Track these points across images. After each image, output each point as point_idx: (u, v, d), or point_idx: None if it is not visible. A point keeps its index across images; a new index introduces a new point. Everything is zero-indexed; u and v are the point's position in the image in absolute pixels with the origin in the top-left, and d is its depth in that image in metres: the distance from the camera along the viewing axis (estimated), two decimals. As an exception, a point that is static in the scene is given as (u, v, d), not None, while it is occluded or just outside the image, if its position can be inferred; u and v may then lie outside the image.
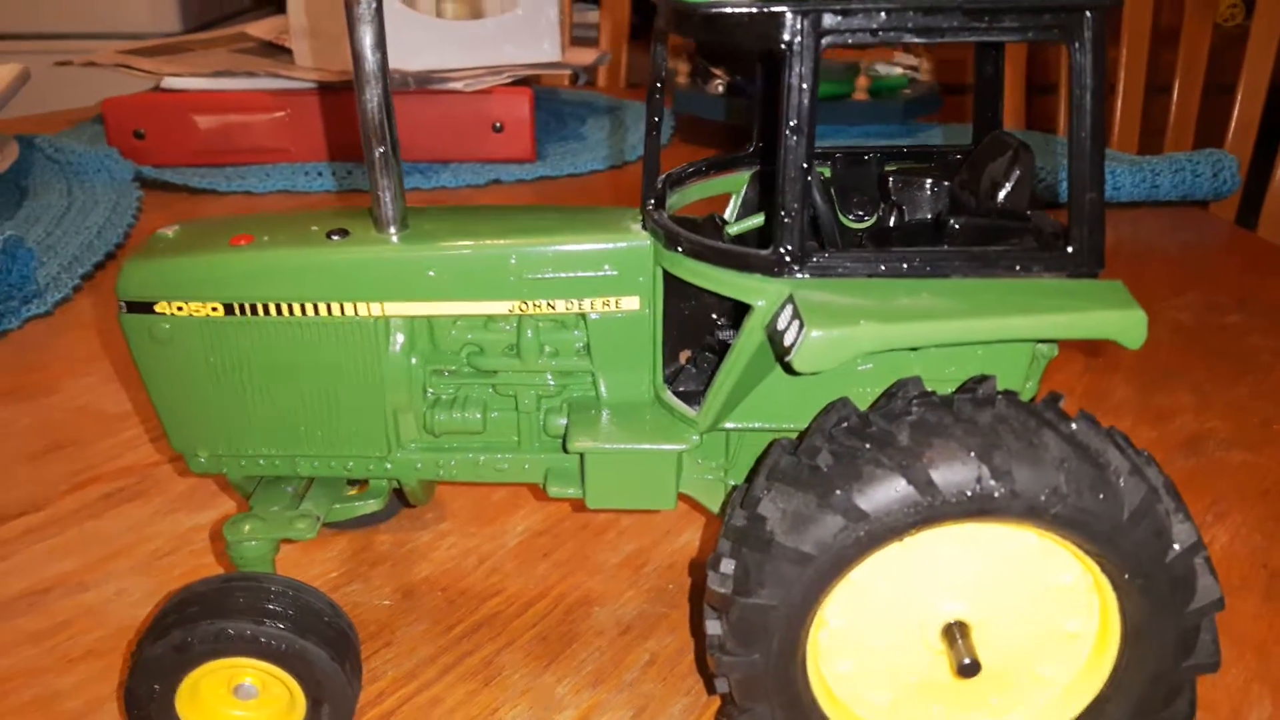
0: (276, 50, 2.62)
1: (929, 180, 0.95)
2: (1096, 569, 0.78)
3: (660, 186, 0.92)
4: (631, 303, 0.91)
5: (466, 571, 1.18)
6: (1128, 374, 1.64)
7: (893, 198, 0.95)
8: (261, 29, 2.79)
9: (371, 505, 1.04)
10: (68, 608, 1.12)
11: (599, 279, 0.89)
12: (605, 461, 0.90)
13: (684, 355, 0.95)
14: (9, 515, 1.27)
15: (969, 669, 0.79)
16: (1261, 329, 1.84)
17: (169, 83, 2.34)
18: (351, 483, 1.10)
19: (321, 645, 0.86)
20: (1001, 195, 0.87)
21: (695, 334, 0.96)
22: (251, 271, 0.90)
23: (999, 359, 0.83)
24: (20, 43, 3.01)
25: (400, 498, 1.19)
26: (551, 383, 0.95)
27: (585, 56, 2.75)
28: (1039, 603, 0.82)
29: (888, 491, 0.73)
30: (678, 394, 0.93)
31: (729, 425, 0.89)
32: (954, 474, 0.72)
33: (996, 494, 0.72)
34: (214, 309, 0.90)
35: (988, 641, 0.83)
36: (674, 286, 0.91)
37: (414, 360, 0.93)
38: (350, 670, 0.88)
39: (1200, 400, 1.55)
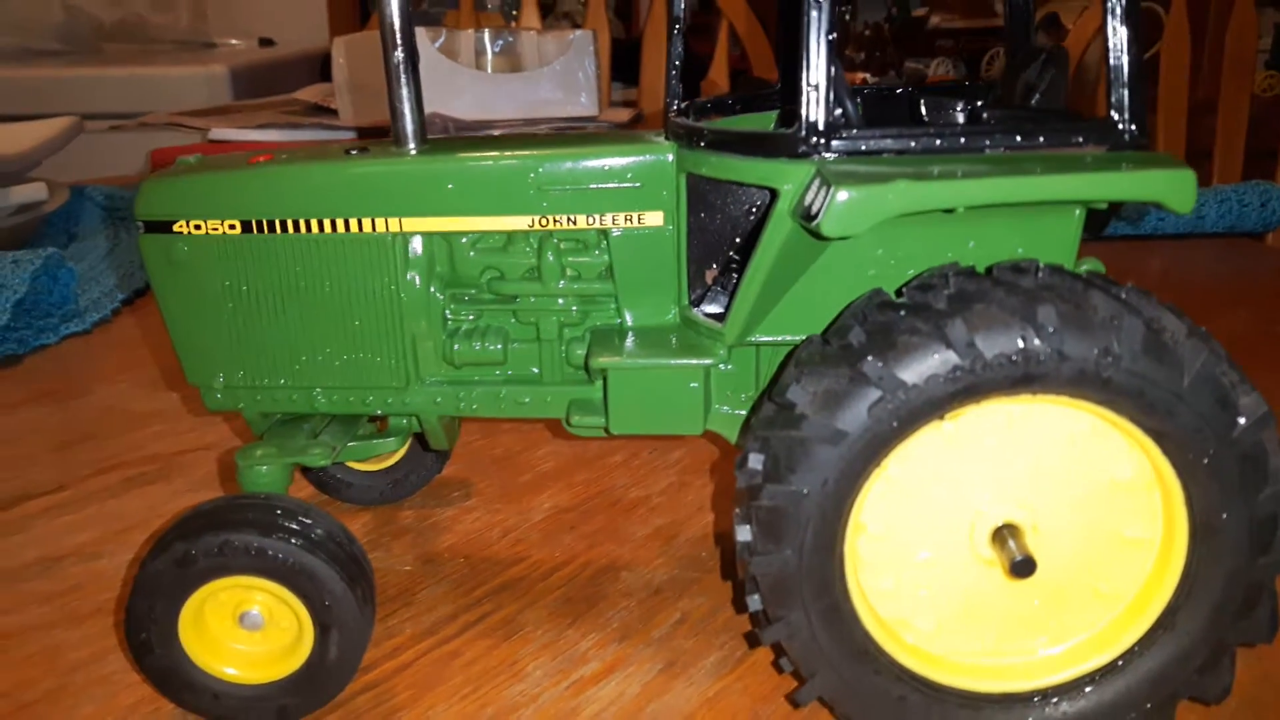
0: (322, 111, 2.69)
1: (961, 101, 0.92)
2: (1157, 453, 0.72)
3: (681, 91, 0.90)
4: (655, 218, 0.88)
5: (490, 542, 1.14)
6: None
7: (924, 119, 0.93)
8: (308, 93, 2.88)
9: (391, 444, 1.00)
10: (80, 573, 1.09)
11: (621, 192, 0.87)
12: (629, 380, 0.86)
13: (710, 274, 0.92)
14: (32, 494, 1.25)
15: (1023, 567, 0.73)
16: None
17: (216, 134, 2.41)
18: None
19: (331, 564, 0.82)
20: (1035, 98, 0.85)
21: (721, 253, 0.92)
22: (269, 187, 0.88)
23: (1041, 242, 0.78)
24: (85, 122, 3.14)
25: (422, 445, 1.15)
26: (575, 310, 0.92)
27: (621, 115, 2.79)
28: (1096, 504, 0.75)
29: (926, 358, 0.69)
30: (705, 316, 0.89)
31: (758, 339, 0.85)
32: (996, 337, 0.68)
33: (1043, 356, 0.67)
34: (231, 227, 0.89)
35: (1042, 552, 0.76)
36: (699, 202, 0.89)
37: (433, 284, 0.90)
38: (361, 597, 0.83)
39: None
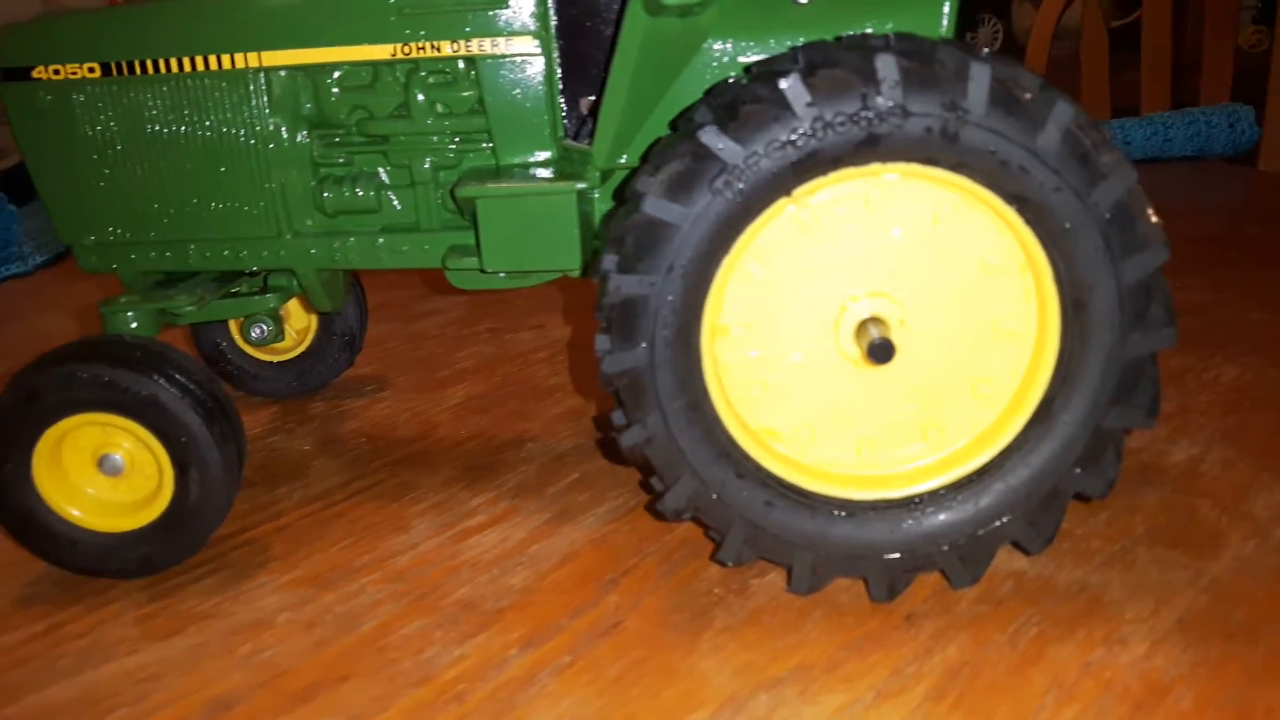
0: None
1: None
2: (1021, 225, 0.68)
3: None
4: (524, 44, 0.85)
5: (397, 425, 1.11)
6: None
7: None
8: None
9: (270, 301, 0.97)
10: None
11: (486, 14, 0.84)
12: (498, 210, 0.83)
13: (585, 103, 0.89)
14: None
15: (880, 351, 0.69)
16: (1282, 232, 1.72)
17: None
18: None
19: (186, 398, 0.79)
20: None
21: (598, 83, 0.89)
22: (124, 26, 0.86)
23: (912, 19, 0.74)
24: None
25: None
26: (450, 150, 0.89)
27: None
28: (967, 293, 0.72)
29: (765, 125, 0.65)
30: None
31: (633, 164, 0.82)
32: (837, 96, 0.64)
33: (885, 113, 0.64)
34: (90, 70, 0.87)
35: (915, 350, 0.73)
36: (573, 28, 0.86)
37: (299, 126, 0.88)
38: (221, 435, 0.80)
39: (1214, 281, 1.43)
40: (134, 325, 0.88)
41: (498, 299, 1.49)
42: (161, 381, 0.78)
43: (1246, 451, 0.95)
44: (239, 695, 0.69)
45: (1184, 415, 1.03)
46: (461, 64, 0.87)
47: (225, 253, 0.92)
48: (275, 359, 1.16)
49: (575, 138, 0.89)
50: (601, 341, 0.72)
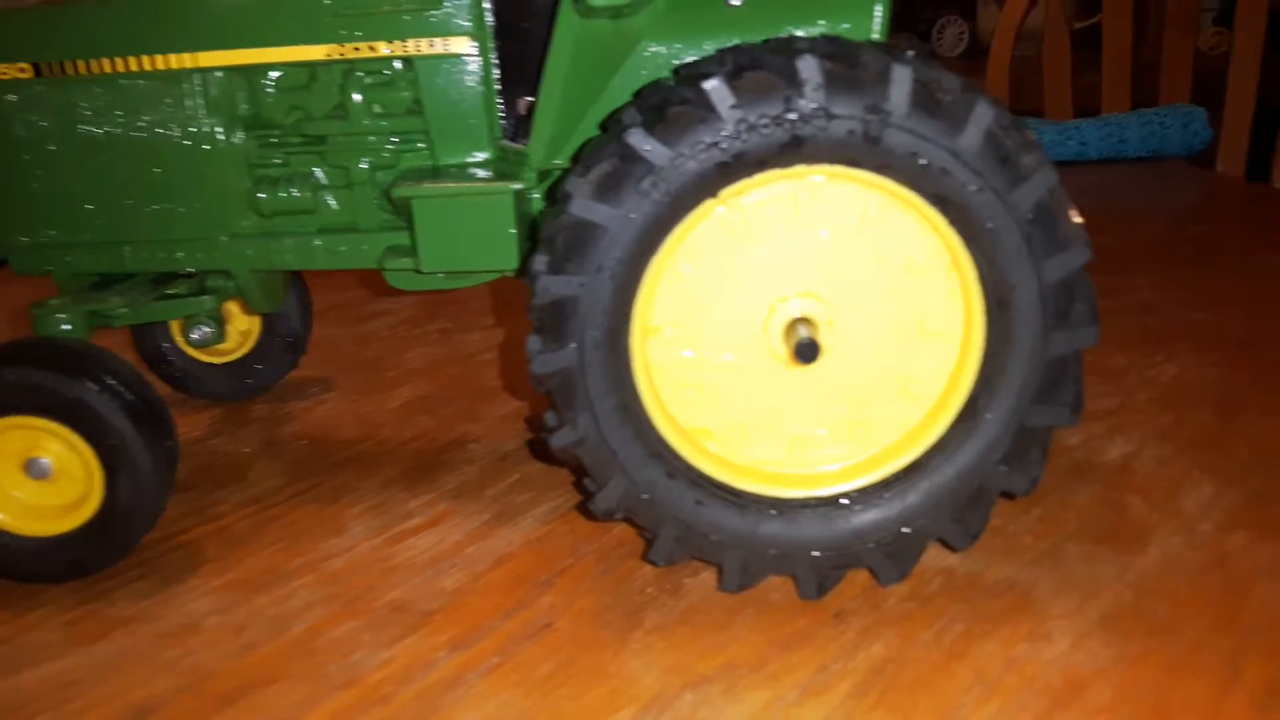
0: None
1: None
2: (945, 226, 0.68)
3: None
4: (461, 44, 0.85)
5: (340, 427, 1.10)
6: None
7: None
8: None
9: (207, 303, 0.96)
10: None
11: (423, 15, 0.84)
12: (434, 210, 0.83)
13: (523, 103, 0.89)
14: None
15: (807, 350, 0.70)
16: (1230, 232, 1.75)
17: None
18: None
19: (114, 400, 0.78)
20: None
21: (536, 83, 0.89)
22: (57, 25, 0.85)
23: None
24: None
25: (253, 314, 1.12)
26: (387, 150, 0.88)
27: None
28: (895, 293, 0.72)
29: (691, 127, 0.65)
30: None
31: (568, 165, 0.82)
32: (761, 98, 0.65)
33: (808, 115, 0.64)
34: (22, 70, 0.86)
35: (844, 350, 0.73)
36: (510, 29, 0.86)
37: (235, 127, 0.87)
38: (151, 437, 0.80)
39: (1160, 280, 1.45)
40: (66, 327, 0.87)
41: (450, 299, 1.48)
42: (90, 384, 0.78)
43: (1180, 449, 0.96)
44: (161, 700, 0.68)
45: (1122, 413, 1.04)
46: (398, 64, 0.86)
47: (161, 254, 0.91)
48: (218, 361, 1.15)
49: (514, 138, 0.88)
50: (532, 342, 0.72)
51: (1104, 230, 1.67)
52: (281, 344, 1.14)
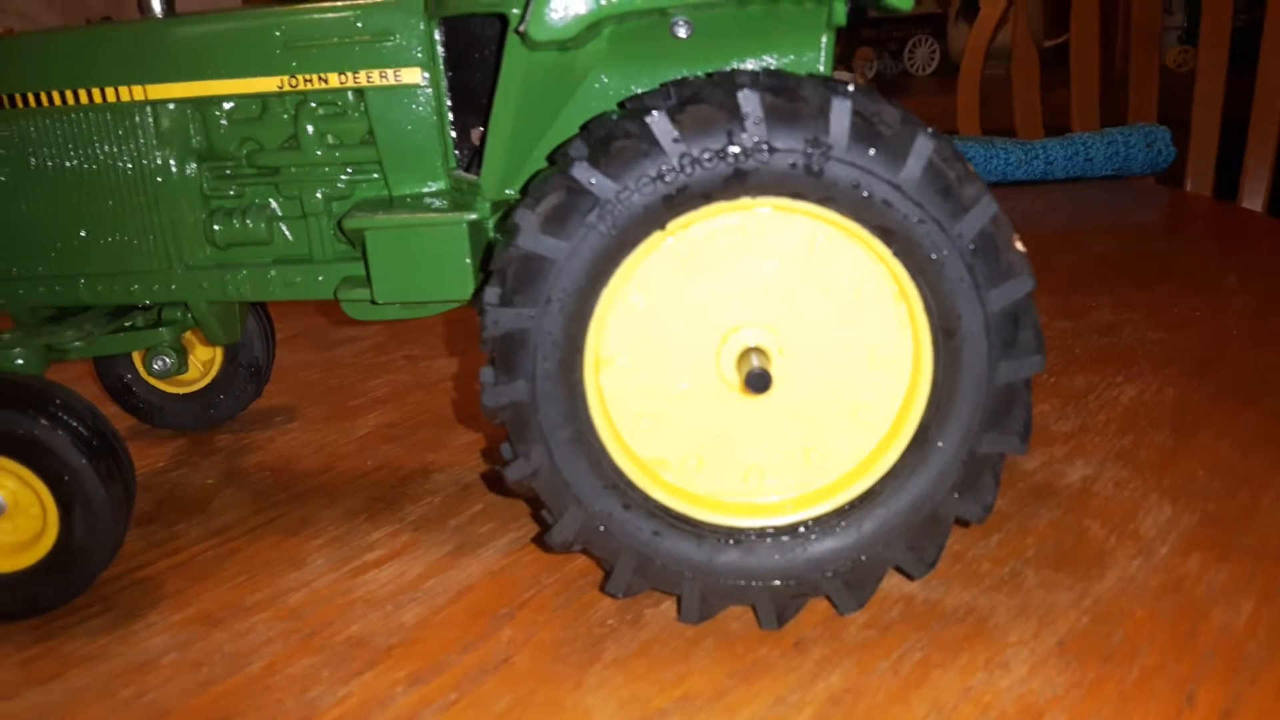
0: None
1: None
2: (890, 256, 0.69)
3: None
4: (412, 75, 0.85)
5: (303, 457, 1.10)
6: (1044, 285, 1.56)
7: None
8: None
9: (164, 335, 0.96)
10: None
11: (372, 45, 0.84)
12: (387, 241, 0.83)
13: (476, 134, 0.89)
14: None
15: (758, 380, 0.70)
16: (1191, 251, 1.76)
17: None
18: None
19: (69, 436, 0.77)
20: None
21: (487, 112, 0.89)
22: (6, 58, 0.85)
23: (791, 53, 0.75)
24: None
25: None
26: (341, 181, 0.89)
27: None
28: (843, 322, 0.73)
29: (636, 161, 0.66)
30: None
31: (519, 195, 0.82)
32: (703, 132, 0.65)
33: (750, 149, 0.65)
34: (-28, 104, 0.86)
35: (795, 379, 0.74)
36: (461, 60, 0.86)
37: (188, 158, 0.87)
38: (107, 473, 0.79)
39: (1120, 301, 1.46)
40: (19, 362, 0.86)
41: (418, 324, 1.48)
42: (43, 420, 0.77)
43: (1138, 471, 0.97)
44: (113, 741, 0.68)
45: (1082, 435, 1.05)
46: (350, 95, 0.87)
47: (116, 287, 0.91)
48: (181, 391, 1.14)
49: (469, 168, 0.89)
50: (485, 374, 0.72)
51: (1067, 250, 1.70)
52: (245, 373, 1.14)
